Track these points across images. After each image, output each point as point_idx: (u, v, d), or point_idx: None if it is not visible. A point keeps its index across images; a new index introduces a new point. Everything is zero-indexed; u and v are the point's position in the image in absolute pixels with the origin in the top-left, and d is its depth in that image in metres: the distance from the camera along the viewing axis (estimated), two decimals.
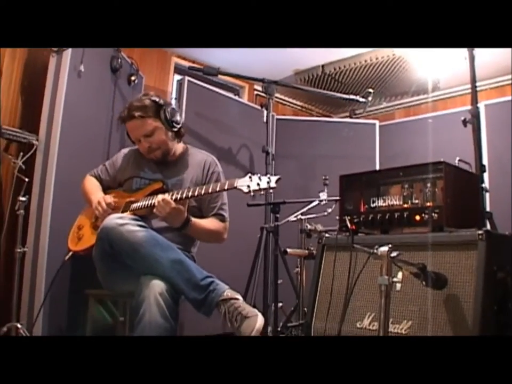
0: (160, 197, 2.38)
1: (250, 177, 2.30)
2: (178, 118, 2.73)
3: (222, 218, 2.72)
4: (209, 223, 2.65)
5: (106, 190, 2.81)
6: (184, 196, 2.40)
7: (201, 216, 2.64)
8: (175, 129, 2.72)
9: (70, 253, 2.63)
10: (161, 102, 2.67)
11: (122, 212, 2.54)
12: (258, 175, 2.30)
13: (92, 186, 2.78)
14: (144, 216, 2.48)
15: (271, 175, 2.34)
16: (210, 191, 2.39)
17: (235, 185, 2.33)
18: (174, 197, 2.40)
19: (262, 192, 2.32)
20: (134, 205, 2.54)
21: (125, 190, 2.73)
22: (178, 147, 2.79)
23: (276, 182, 2.28)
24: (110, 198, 2.61)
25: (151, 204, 2.44)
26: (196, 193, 2.40)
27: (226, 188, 2.37)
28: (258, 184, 2.27)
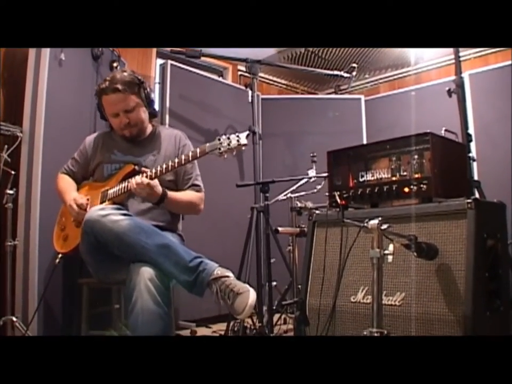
0: (137, 179, 2.38)
1: (219, 139, 2.32)
2: (154, 97, 2.76)
3: (198, 189, 2.73)
4: (186, 195, 2.66)
5: (81, 181, 2.79)
6: (158, 172, 2.41)
7: (178, 190, 2.65)
8: (152, 109, 2.76)
9: (59, 256, 2.60)
10: (142, 79, 2.68)
11: (101, 202, 2.53)
12: (227, 135, 2.32)
13: (65, 184, 2.74)
14: (122, 202, 2.49)
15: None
16: (183, 162, 2.40)
17: (206, 150, 2.34)
18: (149, 175, 2.40)
19: (234, 152, 2.34)
20: (111, 193, 2.53)
21: (97, 179, 2.71)
22: (149, 126, 2.80)
23: (246, 137, 2.32)
24: (81, 199, 2.57)
25: (127, 189, 2.44)
26: (169, 167, 2.41)
27: (198, 155, 2.38)
28: (228, 145, 2.30)
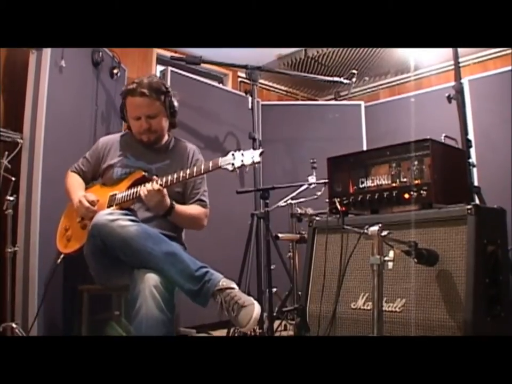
0: (149, 187, 2.37)
1: (233, 154, 2.31)
2: (177, 108, 2.77)
3: (203, 204, 2.72)
4: (192, 209, 2.66)
5: (91, 181, 2.79)
6: (169, 181, 2.40)
7: (184, 203, 2.65)
8: (173, 119, 2.78)
9: (61, 256, 2.60)
10: (169, 88, 2.70)
11: (108, 206, 2.52)
12: (241, 151, 2.32)
13: (73, 183, 2.73)
14: (130, 208, 2.48)
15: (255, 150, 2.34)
16: (195, 174, 2.39)
17: (219, 164, 2.33)
18: (159, 184, 2.39)
19: (247, 169, 2.33)
20: (119, 198, 2.52)
21: (105, 181, 2.70)
22: (166, 135, 2.80)
23: (260, 155, 2.30)
24: (91, 196, 2.55)
25: (136, 195, 2.43)
26: (180, 178, 2.40)
27: (210, 168, 2.36)
28: (242, 161, 2.29)
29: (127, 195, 2.48)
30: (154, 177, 2.45)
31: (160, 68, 4.62)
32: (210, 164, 2.36)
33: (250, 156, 2.29)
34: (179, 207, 2.54)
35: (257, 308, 2.08)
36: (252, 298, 2.12)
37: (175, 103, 2.74)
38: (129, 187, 2.52)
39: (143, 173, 2.56)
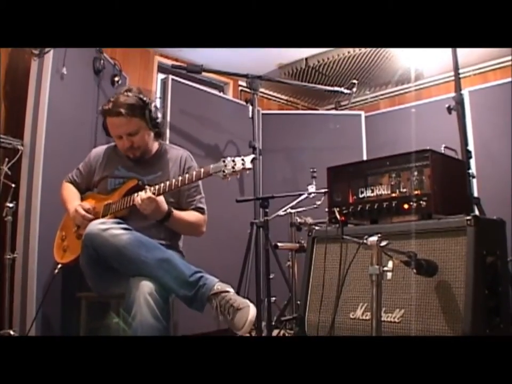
0: (142, 195, 2.37)
1: (224, 161, 2.30)
2: (160, 118, 2.72)
3: (202, 211, 2.72)
4: (190, 215, 2.65)
5: (84, 192, 2.80)
6: (162, 190, 2.40)
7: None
8: (157, 130, 2.73)
9: (59, 266, 2.61)
10: (147, 100, 2.63)
11: (103, 216, 2.53)
12: (232, 158, 2.30)
13: (69, 193, 2.75)
14: (124, 216, 2.48)
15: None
16: (186, 181, 2.39)
17: (210, 172, 2.33)
18: (152, 192, 2.39)
19: (238, 175, 2.33)
20: (114, 207, 2.53)
21: (100, 191, 2.71)
22: (154, 145, 2.79)
23: (251, 161, 2.30)
24: (87, 205, 2.58)
25: (131, 203, 2.44)
26: (173, 186, 2.40)
27: (202, 176, 2.37)
28: (233, 167, 2.28)
29: (121, 204, 2.49)
30: (147, 186, 2.46)
31: (161, 76, 4.63)
32: (202, 171, 2.37)
33: (241, 162, 2.28)
34: (177, 213, 2.53)
35: (252, 310, 2.09)
36: (247, 301, 2.12)
37: (158, 114, 2.69)
38: (124, 196, 2.53)
39: (137, 181, 2.57)
